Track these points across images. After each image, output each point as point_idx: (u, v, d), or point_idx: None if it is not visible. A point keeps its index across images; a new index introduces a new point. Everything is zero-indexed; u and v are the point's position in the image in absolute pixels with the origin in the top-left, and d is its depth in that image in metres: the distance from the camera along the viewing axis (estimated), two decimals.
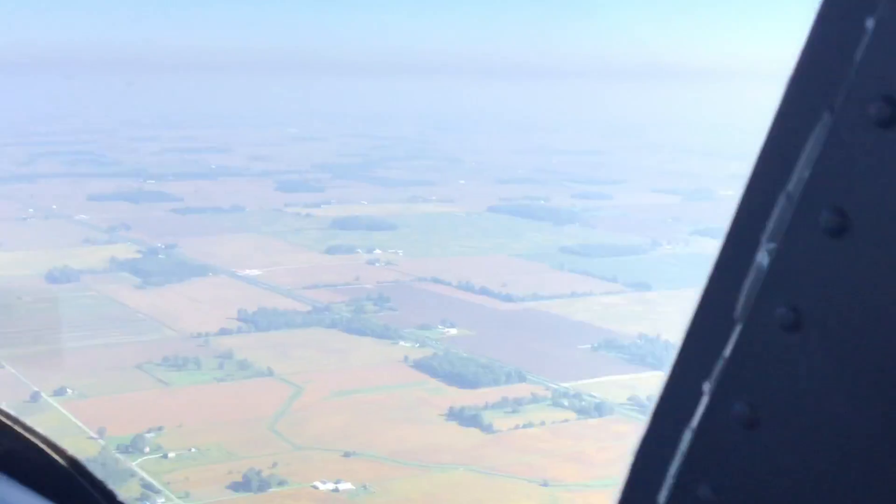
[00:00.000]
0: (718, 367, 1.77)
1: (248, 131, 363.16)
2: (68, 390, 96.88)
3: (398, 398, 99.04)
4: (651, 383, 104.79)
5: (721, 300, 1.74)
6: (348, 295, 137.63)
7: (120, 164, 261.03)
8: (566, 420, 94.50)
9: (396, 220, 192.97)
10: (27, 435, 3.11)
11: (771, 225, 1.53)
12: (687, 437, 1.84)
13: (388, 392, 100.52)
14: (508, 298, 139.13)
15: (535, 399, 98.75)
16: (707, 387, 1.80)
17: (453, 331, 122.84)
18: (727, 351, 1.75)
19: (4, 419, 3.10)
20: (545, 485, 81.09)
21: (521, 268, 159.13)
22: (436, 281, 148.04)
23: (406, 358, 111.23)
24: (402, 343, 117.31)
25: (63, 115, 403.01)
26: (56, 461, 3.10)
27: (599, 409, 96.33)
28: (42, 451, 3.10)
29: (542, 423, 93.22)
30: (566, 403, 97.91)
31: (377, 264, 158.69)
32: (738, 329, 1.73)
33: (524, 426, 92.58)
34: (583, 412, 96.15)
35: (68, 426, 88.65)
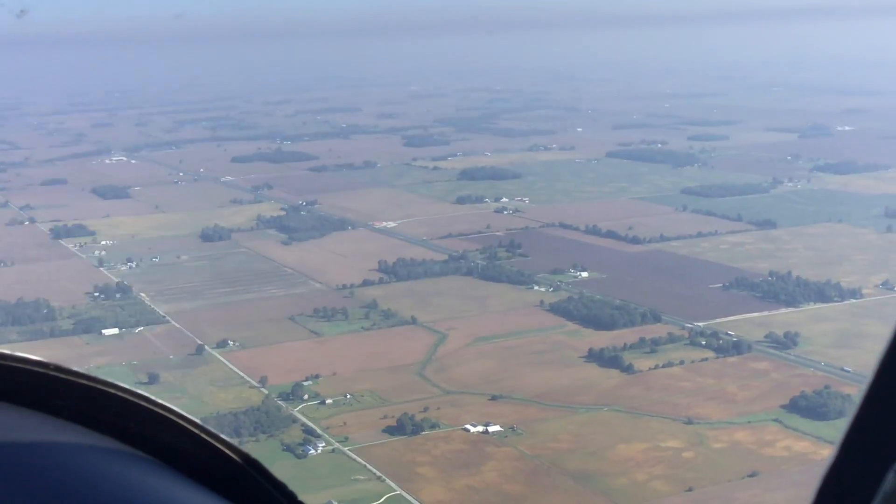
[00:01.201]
0: None
1: (373, 91, 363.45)
2: (230, 342, 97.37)
3: (538, 342, 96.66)
4: (787, 320, 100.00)
5: None
6: (481, 243, 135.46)
7: (257, 128, 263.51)
8: (705, 359, 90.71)
9: (520, 169, 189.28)
10: (202, 434, 2.87)
11: None
12: None
13: (528, 336, 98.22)
14: (635, 241, 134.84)
15: (672, 339, 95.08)
16: None
17: (584, 274, 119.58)
18: None
19: (178, 419, 2.86)
20: (689, 423, 77.81)
21: (645, 210, 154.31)
22: (563, 226, 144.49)
23: (542, 302, 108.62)
24: (536, 288, 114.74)
25: (199, 84, 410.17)
26: (232, 459, 2.86)
27: (738, 347, 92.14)
28: (217, 449, 2.86)
29: (682, 363, 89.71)
30: (703, 342, 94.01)
31: (505, 212, 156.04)
32: None
33: (664, 366, 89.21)
34: (721, 350, 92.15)
35: (232, 376, 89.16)
